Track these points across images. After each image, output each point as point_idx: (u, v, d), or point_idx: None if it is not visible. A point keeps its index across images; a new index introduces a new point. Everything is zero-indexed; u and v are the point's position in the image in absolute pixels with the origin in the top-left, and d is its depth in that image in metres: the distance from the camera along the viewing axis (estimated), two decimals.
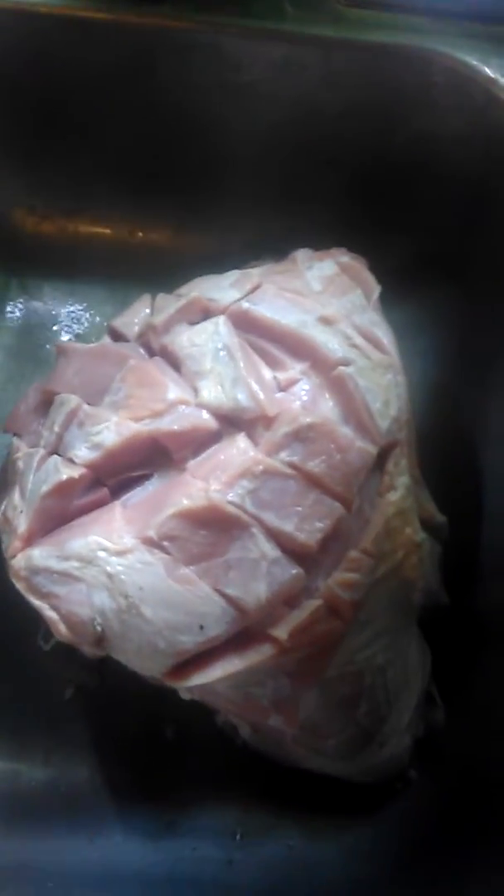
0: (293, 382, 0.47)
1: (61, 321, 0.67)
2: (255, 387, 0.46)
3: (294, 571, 0.43)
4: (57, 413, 0.48)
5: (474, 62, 0.53)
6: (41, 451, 0.48)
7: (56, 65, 0.58)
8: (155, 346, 0.51)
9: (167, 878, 0.50)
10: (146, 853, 0.51)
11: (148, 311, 0.54)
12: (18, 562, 0.45)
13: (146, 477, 0.47)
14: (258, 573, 0.43)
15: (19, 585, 0.45)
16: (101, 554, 0.43)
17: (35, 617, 0.45)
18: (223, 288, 0.52)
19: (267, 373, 0.48)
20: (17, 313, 0.67)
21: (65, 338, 0.66)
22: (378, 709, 0.48)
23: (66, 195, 0.67)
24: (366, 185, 0.62)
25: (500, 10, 0.54)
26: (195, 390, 0.47)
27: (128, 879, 0.50)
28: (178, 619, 0.42)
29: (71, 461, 0.46)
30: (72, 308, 0.67)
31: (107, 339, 0.55)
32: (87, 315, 0.67)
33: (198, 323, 0.50)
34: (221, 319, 0.49)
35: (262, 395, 0.46)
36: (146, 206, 0.67)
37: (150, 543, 0.43)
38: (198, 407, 0.46)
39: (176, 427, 0.45)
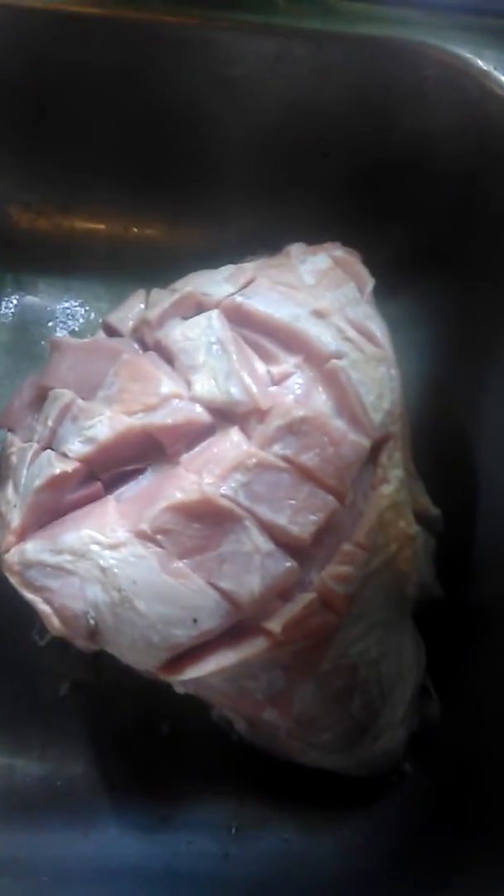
0: (286, 376, 0.47)
1: (56, 317, 0.67)
2: (249, 380, 0.46)
3: (288, 564, 0.43)
4: (51, 408, 0.48)
5: (467, 55, 0.53)
6: (35, 446, 0.48)
7: (49, 60, 0.58)
8: (149, 341, 0.51)
9: (162, 872, 0.50)
10: (141, 847, 0.51)
11: (142, 306, 0.54)
12: (12, 556, 0.45)
13: (140, 471, 0.47)
14: (252, 566, 0.43)
15: (13, 580, 0.45)
16: (95, 547, 0.43)
17: (30, 613, 0.45)
18: (217, 282, 0.52)
19: (260, 366, 0.48)
20: (13, 309, 0.67)
21: (60, 334, 0.66)
22: (372, 702, 0.48)
23: (61, 191, 0.67)
24: (360, 179, 0.61)
25: (492, 2, 0.54)
26: (189, 384, 0.47)
27: (123, 873, 0.50)
28: (171, 612, 0.42)
29: (64, 455, 0.46)
30: (67, 304, 0.67)
31: (101, 335, 0.55)
32: (83, 311, 0.67)
33: (191, 317, 0.50)
34: (215, 313, 0.49)
35: (255, 389, 0.46)
36: (141, 201, 0.66)
37: (144, 537, 0.43)
38: (191, 401, 0.46)
39: (169, 421, 0.45)
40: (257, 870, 0.51)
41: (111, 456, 0.46)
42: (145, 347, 0.51)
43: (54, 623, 0.44)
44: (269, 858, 0.51)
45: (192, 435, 0.46)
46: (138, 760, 0.54)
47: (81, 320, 0.67)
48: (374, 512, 0.46)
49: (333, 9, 0.54)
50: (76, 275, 0.68)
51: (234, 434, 0.45)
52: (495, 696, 0.50)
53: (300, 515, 0.44)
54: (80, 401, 0.47)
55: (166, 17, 0.55)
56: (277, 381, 0.47)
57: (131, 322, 0.53)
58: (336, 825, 0.52)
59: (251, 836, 0.52)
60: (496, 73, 0.53)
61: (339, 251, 0.54)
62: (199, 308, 0.51)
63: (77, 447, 0.46)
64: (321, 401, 0.46)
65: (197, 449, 0.46)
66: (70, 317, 0.67)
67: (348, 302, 0.50)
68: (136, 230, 0.68)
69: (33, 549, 0.45)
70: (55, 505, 0.46)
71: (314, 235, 0.55)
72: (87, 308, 0.67)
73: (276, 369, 0.47)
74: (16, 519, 0.46)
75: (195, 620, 0.42)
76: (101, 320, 0.57)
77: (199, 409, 0.46)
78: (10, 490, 0.47)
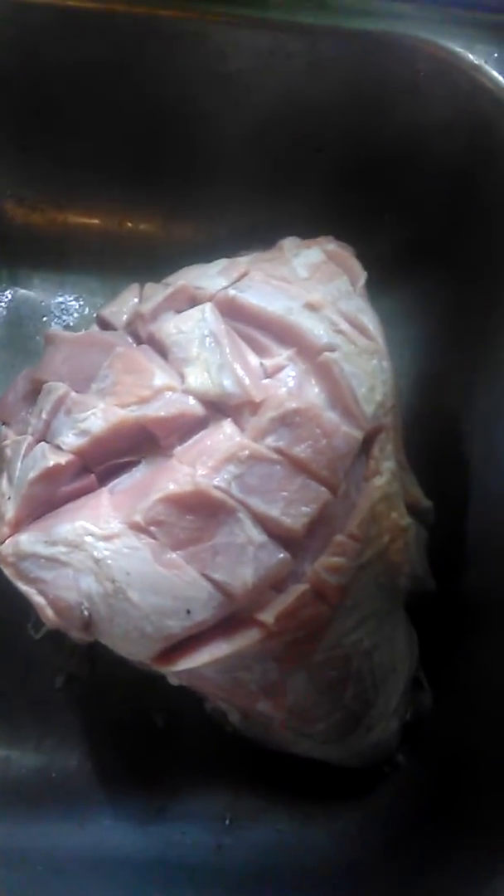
0: (279, 368, 0.47)
1: (51, 312, 0.67)
2: (241, 373, 0.46)
3: (280, 556, 0.44)
4: (45, 401, 0.48)
5: (459, 49, 0.53)
6: (29, 439, 0.48)
7: (43, 54, 0.58)
8: (142, 334, 0.51)
9: (157, 863, 0.50)
10: (136, 838, 0.51)
11: (136, 300, 0.54)
12: (6, 548, 0.45)
13: (133, 463, 0.47)
14: (245, 558, 0.43)
15: (7, 571, 0.45)
16: (88, 539, 0.43)
17: (26, 605, 0.45)
18: (210, 276, 0.52)
19: (253, 359, 0.48)
20: (7, 304, 0.67)
21: (55, 328, 0.66)
22: (365, 693, 0.48)
23: (56, 186, 0.67)
24: (354, 173, 0.62)
25: None
26: (182, 377, 0.47)
27: (118, 864, 0.50)
28: (165, 603, 0.43)
29: (58, 448, 0.46)
30: (62, 298, 0.68)
31: (95, 328, 0.55)
32: (78, 305, 0.67)
33: (185, 311, 0.50)
34: (208, 306, 0.49)
35: (248, 381, 0.46)
36: (135, 196, 0.66)
37: (137, 528, 0.43)
38: (184, 393, 0.46)
39: (163, 413, 0.45)
40: (251, 860, 0.51)
41: (105, 448, 0.46)
42: (139, 341, 0.51)
43: (48, 614, 0.44)
44: (263, 849, 0.51)
45: (186, 427, 0.46)
46: (133, 752, 0.54)
47: (76, 315, 0.67)
48: (366, 503, 0.46)
49: (327, 3, 0.54)
50: (71, 269, 0.68)
51: (228, 426, 0.45)
52: (487, 687, 0.50)
53: (293, 507, 0.44)
54: (73, 393, 0.48)
55: (160, 11, 0.55)
56: (270, 373, 0.47)
57: (125, 316, 0.53)
58: (330, 816, 0.52)
59: (245, 826, 0.52)
60: (487, 68, 0.53)
61: (332, 245, 0.54)
62: (193, 301, 0.51)
63: (71, 439, 0.46)
64: (314, 393, 0.47)
65: (190, 441, 0.46)
66: (65, 311, 0.67)
67: (341, 295, 0.50)
68: (130, 225, 0.68)
69: (27, 540, 0.45)
70: (49, 497, 0.46)
71: (308, 229, 0.55)
72: (82, 303, 0.68)
73: (269, 362, 0.48)
74: (10, 511, 0.46)
75: (188, 611, 0.43)
76: (95, 314, 0.57)
77: (192, 401, 0.46)
78: (4, 482, 0.47)
